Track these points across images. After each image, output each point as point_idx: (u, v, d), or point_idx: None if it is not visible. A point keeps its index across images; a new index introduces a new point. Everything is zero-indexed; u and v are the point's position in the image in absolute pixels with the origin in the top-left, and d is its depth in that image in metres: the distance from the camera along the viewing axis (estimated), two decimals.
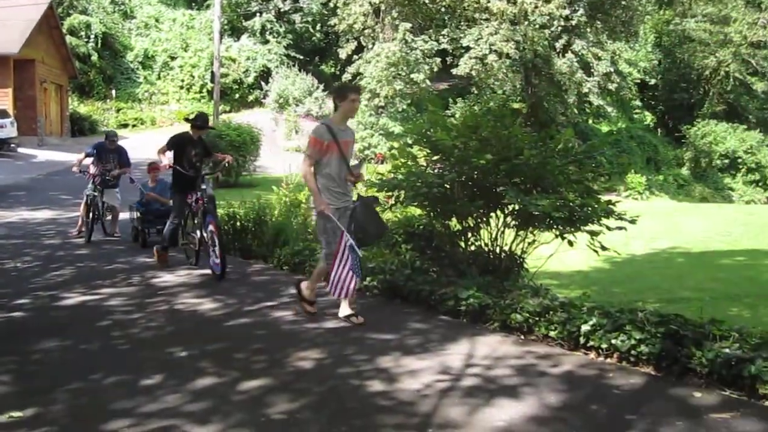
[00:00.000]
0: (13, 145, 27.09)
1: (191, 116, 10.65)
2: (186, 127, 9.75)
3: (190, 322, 6.65)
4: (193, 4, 43.98)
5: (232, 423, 4.15)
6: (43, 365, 5.35)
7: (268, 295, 7.67)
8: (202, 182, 8.98)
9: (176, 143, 9.26)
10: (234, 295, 7.70)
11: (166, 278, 8.74)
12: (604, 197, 7.18)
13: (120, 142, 13.25)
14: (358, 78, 33.38)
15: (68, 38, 35.51)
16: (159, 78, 40.45)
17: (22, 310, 7.19)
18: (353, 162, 6.76)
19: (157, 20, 42.24)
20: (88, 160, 12.66)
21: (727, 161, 41.01)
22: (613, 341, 5.05)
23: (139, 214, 11.72)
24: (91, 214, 12.09)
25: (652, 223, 17.77)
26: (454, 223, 7.65)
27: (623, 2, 34.51)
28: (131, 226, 12.19)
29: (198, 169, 9.25)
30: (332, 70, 43.58)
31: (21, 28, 29.57)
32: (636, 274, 12.70)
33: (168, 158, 9.21)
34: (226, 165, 10.34)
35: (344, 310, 6.42)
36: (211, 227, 8.62)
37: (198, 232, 9.04)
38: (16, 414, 4.26)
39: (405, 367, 5.09)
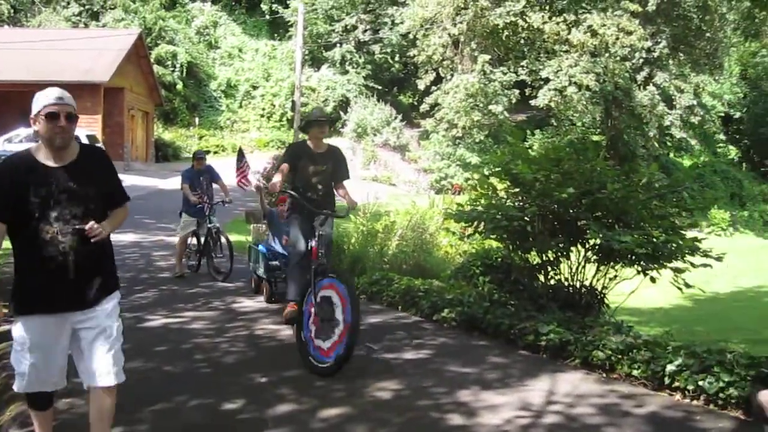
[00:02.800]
0: None
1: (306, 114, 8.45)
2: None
3: (269, 348, 6.73)
4: (275, 35, 44.96)
5: None
6: (127, 386, 5.50)
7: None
8: (321, 224, 6.56)
9: (292, 155, 7.05)
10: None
11: (246, 303, 8.87)
12: (688, 234, 7.03)
13: None
14: (436, 109, 33.51)
15: (155, 67, 36.69)
16: (241, 106, 41.38)
17: None
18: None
19: (240, 50, 43.32)
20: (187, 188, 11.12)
21: None
22: (700, 383, 4.90)
23: (270, 262, 8.92)
24: (195, 246, 11.31)
25: (737, 260, 17.28)
26: (533, 257, 7.58)
27: (707, 34, 33.84)
28: (251, 276, 9.81)
29: (319, 198, 6.95)
30: (410, 100, 43.86)
31: (112, 57, 30.72)
32: (719, 313, 12.36)
33: (281, 176, 6.67)
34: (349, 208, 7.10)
35: None
36: (330, 293, 5.92)
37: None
38: None
39: (484, 402, 5.04)
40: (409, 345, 6.71)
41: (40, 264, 3.63)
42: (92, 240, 3.63)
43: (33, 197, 3.58)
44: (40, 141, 3.73)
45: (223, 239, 10.83)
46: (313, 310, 5.95)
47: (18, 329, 3.74)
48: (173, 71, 39.19)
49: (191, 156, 12.15)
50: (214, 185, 11.35)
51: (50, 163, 3.66)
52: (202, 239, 11.16)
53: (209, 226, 10.83)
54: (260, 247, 9.23)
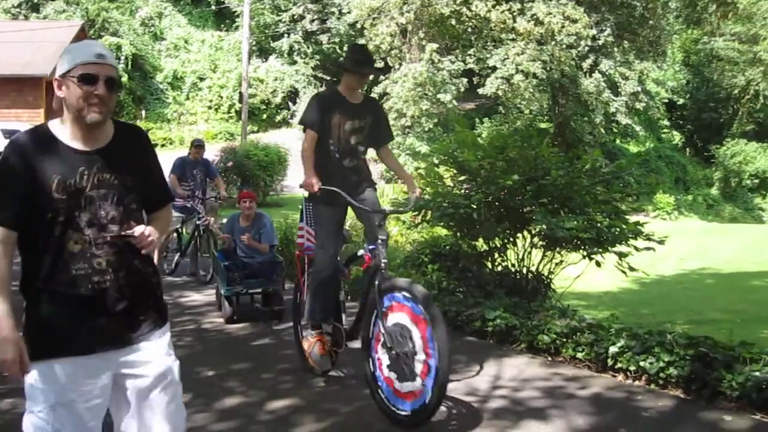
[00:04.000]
0: None
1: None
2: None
3: (217, 342, 6.69)
4: (222, 26, 44.45)
5: None
6: None
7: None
8: (381, 221, 4.83)
9: (322, 109, 5.14)
10: (260, 314, 7.73)
11: (194, 297, 8.80)
12: (633, 218, 7.16)
13: None
14: (385, 98, 33.52)
15: None
16: (188, 98, 40.87)
17: None
18: None
19: (186, 42, 42.75)
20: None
21: (757, 181, 40.52)
22: (642, 363, 5.00)
23: (230, 273, 7.63)
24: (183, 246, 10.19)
25: (682, 243, 17.62)
26: (480, 244, 7.65)
27: (651, 22, 34.38)
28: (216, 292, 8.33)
29: (359, 168, 5.32)
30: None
31: (53, 50, 30.05)
32: (665, 295, 12.59)
33: (310, 152, 5.11)
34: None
35: None
36: (400, 317, 4.41)
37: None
38: None
39: None
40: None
41: (66, 287, 2.58)
42: (142, 252, 2.67)
43: (56, 193, 2.57)
44: (64, 114, 2.74)
45: (212, 239, 9.45)
46: (381, 340, 4.46)
47: (33, 382, 2.57)
48: (118, 63, 38.52)
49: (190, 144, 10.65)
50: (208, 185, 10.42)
51: (78, 146, 2.67)
52: (185, 237, 10.16)
53: (198, 222, 9.77)
54: (218, 255, 8.05)
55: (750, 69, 42.26)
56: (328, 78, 40.81)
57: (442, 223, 7.59)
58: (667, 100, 43.45)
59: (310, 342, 5.17)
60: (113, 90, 2.67)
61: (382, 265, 4.59)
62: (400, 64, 33.66)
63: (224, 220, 9.03)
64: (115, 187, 2.69)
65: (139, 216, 2.77)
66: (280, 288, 7.81)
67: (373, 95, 33.74)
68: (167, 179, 8.69)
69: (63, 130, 2.73)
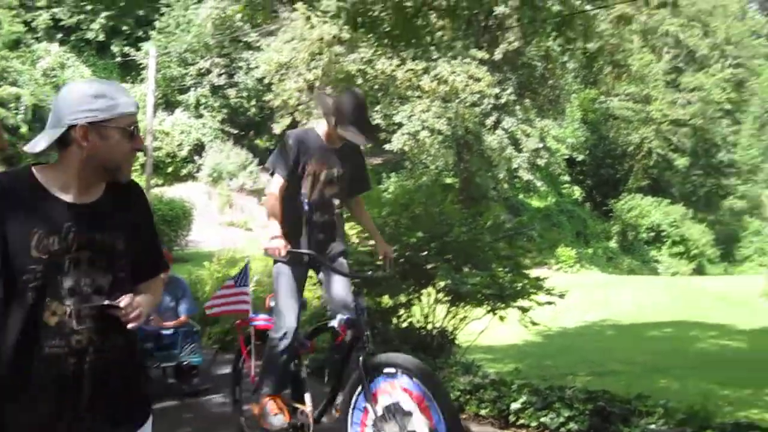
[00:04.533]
0: None
1: None
2: None
3: None
4: (128, 77, 43.81)
5: None
6: None
7: (200, 379, 7.45)
8: (358, 291, 4.41)
9: (297, 152, 4.47)
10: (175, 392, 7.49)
11: None
12: (535, 272, 7.33)
13: None
14: None
15: None
16: None
17: None
18: None
19: None
20: None
21: (652, 234, 42.17)
22: (543, 419, 5.08)
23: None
24: None
25: (583, 295, 18.09)
26: (385, 300, 7.66)
27: (550, 81, 35.74)
28: None
29: (330, 221, 4.61)
30: (267, 144, 43.69)
31: None
32: (568, 347, 12.86)
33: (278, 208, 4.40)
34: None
35: None
36: (398, 398, 3.83)
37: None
38: None
39: None
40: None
41: (35, 370, 2.13)
42: (128, 326, 2.22)
43: (35, 251, 2.13)
44: (69, 163, 2.23)
45: None
46: (370, 427, 3.84)
47: None
48: (17, 114, 37.38)
49: None
50: None
51: (68, 198, 2.22)
52: None
53: None
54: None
55: (643, 127, 44.39)
56: (236, 132, 40.61)
57: None
58: (567, 157, 44.92)
59: (261, 404, 4.45)
60: None
61: (365, 338, 4.02)
62: (308, 119, 33.84)
63: None
64: (105, 248, 2.25)
65: (128, 287, 2.32)
66: (197, 361, 7.01)
67: None
68: None
69: (52, 178, 2.23)
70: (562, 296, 7.02)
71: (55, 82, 41.72)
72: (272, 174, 4.50)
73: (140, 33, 40.77)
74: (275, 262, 4.44)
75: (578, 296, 14.29)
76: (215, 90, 41.33)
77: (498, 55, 33.09)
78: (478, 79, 31.95)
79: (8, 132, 36.22)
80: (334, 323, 4.33)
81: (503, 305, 6.97)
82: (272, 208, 4.32)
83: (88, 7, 40.76)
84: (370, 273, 4.85)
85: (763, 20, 56.19)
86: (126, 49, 42.43)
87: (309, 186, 4.43)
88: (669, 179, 46.43)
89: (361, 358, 3.97)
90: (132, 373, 2.37)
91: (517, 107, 35.17)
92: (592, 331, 15.50)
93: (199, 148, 39.17)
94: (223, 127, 40.30)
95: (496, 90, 33.08)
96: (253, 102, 41.42)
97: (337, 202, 4.57)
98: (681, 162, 44.70)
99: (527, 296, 6.96)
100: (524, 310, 6.98)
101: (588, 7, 18.16)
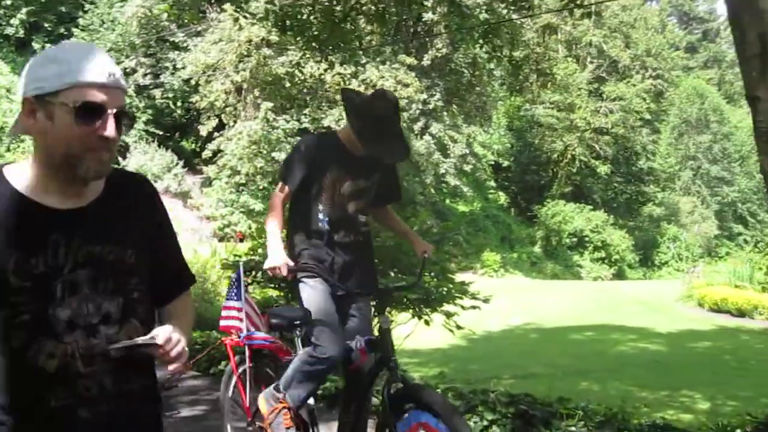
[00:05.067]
0: None
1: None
2: None
3: None
4: None
5: None
6: None
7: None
8: (382, 309, 4.56)
9: (311, 162, 3.90)
10: None
11: None
12: (461, 276, 7.37)
13: None
14: (219, 155, 33.11)
15: None
16: (8, 150, 38.67)
17: None
18: None
19: (8, 90, 40.58)
20: None
21: (575, 239, 43.05)
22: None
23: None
24: None
25: (507, 300, 18.33)
26: None
27: (477, 88, 36.24)
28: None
29: (356, 242, 4.06)
30: (193, 146, 43.07)
31: None
32: (492, 351, 13.01)
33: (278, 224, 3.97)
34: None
35: None
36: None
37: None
38: None
39: None
40: (185, 402, 6.49)
41: None
42: (171, 367, 1.78)
43: (15, 278, 1.64)
44: (35, 156, 1.75)
45: None
46: None
47: None
48: None
49: None
50: None
51: (52, 203, 1.71)
52: None
53: None
54: None
55: (567, 135, 45.42)
56: (161, 133, 39.94)
57: (272, 284, 7.52)
58: (493, 162, 45.60)
59: (275, 408, 3.86)
60: (122, 129, 1.79)
61: (392, 363, 3.45)
62: (235, 122, 33.52)
63: None
64: (109, 267, 1.74)
65: (145, 310, 1.83)
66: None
67: (206, 152, 33.32)
68: None
69: (29, 179, 1.73)
70: (486, 301, 7.09)
71: None
72: (280, 182, 3.96)
73: (62, 30, 39.71)
74: (296, 279, 3.84)
75: (503, 300, 14.47)
76: (140, 90, 40.56)
77: (426, 61, 33.42)
78: (407, 85, 32.19)
79: None
80: (351, 344, 3.76)
81: (429, 309, 7.00)
82: (271, 220, 3.81)
83: (8, 2, 39.49)
84: (391, 285, 4.22)
85: (681, 33, 58.22)
86: (47, 46, 41.27)
87: (328, 201, 3.81)
88: (591, 186, 47.53)
89: (386, 390, 3.44)
90: (156, 428, 1.92)
91: (445, 113, 35.56)
92: (516, 334, 15.72)
93: (122, 150, 38.35)
94: (148, 128, 39.56)
95: (424, 96, 33.38)
96: (180, 103, 40.81)
97: (363, 219, 3.98)
98: (603, 169, 45.83)
99: (452, 301, 7.00)
100: (449, 314, 7.01)
101: (515, 17, 18.46)
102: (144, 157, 36.91)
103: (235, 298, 4.74)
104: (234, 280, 4.90)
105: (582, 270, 41.64)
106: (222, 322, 4.83)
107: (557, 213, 43.42)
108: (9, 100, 40.40)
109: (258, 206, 30.65)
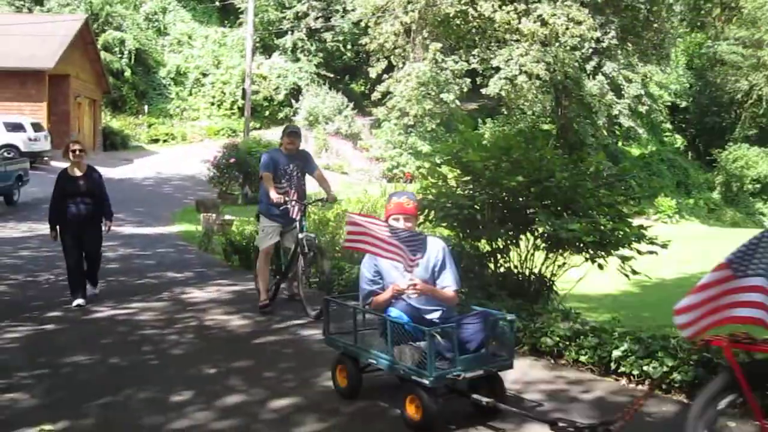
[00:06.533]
0: (46, 158, 27.45)
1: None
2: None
3: (218, 339, 6.67)
4: (226, 21, 44.41)
5: None
6: (73, 379, 5.40)
7: (296, 313, 7.64)
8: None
9: None
10: (263, 312, 7.70)
11: (196, 294, 8.78)
12: (635, 221, 7.13)
13: (150, 158, 12.02)
14: (388, 97, 33.45)
15: (102, 54, 35.99)
16: (190, 94, 40.84)
17: (52, 322, 7.26)
18: None
19: (189, 37, 42.70)
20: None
21: (758, 186, 40.51)
22: (645, 368, 4.99)
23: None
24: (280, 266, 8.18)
25: (683, 247, 17.56)
26: (483, 245, 7.62)
27: (655, 25, 34.39)
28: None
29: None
30: (362, 88, 43.78)
31: (57, 43, 30.04)
32: (666, 299, 12.51)
33: None
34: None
35: None
36: None
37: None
38: (47, 427, 4.30)
39: None
40: None
41: None
42: None
43: None
44: None
45: (321, 257, 7.48)
46: None
47: None
48: (121, 58, 38.49)
49: (287, 134, 8.08)
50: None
51: None
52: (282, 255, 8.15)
53: (300, 236, 7.56)
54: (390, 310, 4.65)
55: (753, 73, 42.31)
56: (331, 76, 40.78)
57: (444, 224, 7.57)
58: (669, 104, 43.49)
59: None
60: None
61: None
62: (404, 63, 33.64)
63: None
64: None
65: None
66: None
67: (376, 94, 33.74)
68: (260, 180, 7.89)
69: None
70: (665, 246, 6.81)
71: (157, 27, 42.69)
72: None
73: None
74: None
75: (678, 247, 13.81)
76: (311, 33, 41.50)
77: None
78: (579, 22, 31.05)
79: (113, 76, 37.39)
80: None
81: (603, 253, 6.83)
82: None
83: None
84: None
85: None
86: None
87: None
88: None
89: None
90: None
91: (619, 52, 34.10)
92: (690, 283, 14.92)
93: (295, 92, 39.55)
94: (319, 71, 40.52)
95: (598, 34, 32.10)
96: (349, 46, 41.44)
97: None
98: None
99: (629, 245, 6.79)
100: (625, 259, 6.81)
101: None
102: (315, 100, 37.91)
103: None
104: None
105: (765, 218, 39.18)
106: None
107: (739, 157, 40.89)
108: (190, 46, 42.51)
109: (425, 148, 30.81)
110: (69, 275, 8.18)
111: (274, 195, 7.50)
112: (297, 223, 7.70)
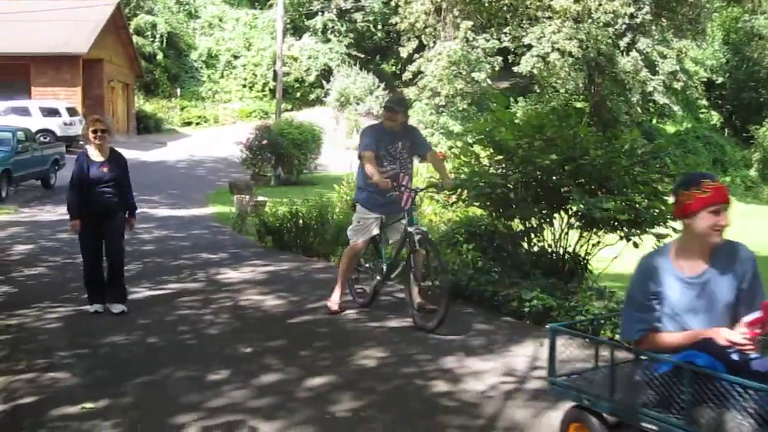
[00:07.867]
0: (81, 143, 27.78)
1: None
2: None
3: (254, 319, 6.74)
4: (256, 3, 44.44)
5: (298, 420, 4.20)
6: (112, 358, 5.49)
7: (330, 293, 7.67)
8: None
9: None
10: (297, 292, 7.77)
11: (231, 275, 8.86)
12: (670, 199, 7.06)
13: (183, 140, 11.62)
14: (419, 77, 33.31)
15: (135, 38, 36.28)
16: (222, 77, 41.01)
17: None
18: None
19: (220, 20, 42.82)
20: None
21: None
22: None
23: None
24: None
25: None
26: (516, 224, 7.60)
27: (690, 0, 33.80)
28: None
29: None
30: (393, 68, 43.61)
31: (90, 28, 30.32)
32: None
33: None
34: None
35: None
36: None
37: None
38: (89, 405, 4.38)
39: (469, 368, 5.08)
40: (393, 313, 6.73)
41: None
42: None
43: None
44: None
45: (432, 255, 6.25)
46: None
47: None
48: (153, 42, 38.75)
49: (384, 107, 7.00)
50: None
51: None
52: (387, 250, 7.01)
53: (410, 230, 6.30)
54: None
55: None
56: (362, 56, 40.67)
57: (477, 203, 7.55)
58: (705, 80, 42.76)
59: None
60: None
61: None
62: (435, 43, 33.46)
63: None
64: None
65: None
66: None
67: (407, 74, 33.57)
68: (359, 159, 6.44)
69: None
70: None
71: (188, 10, 42.86)
72: None
73: None
74: None
75: None
76: (342, 14, 41.37)
77: None
78: None
79: (145, 59, 37.67)
80: None
81: (639, 231, 6.77)
82: None
83: None
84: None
85: None
86: None
87: None
88: None
89: None
90: None
91: (653, 27, 33.58)
92: None
93: (326, 73, 39.53)
94: (349, 52, 40.43)
95: (631, 9, 31.64)
96: (380, 26, 41.28)
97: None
98: None
99: (664, 223, 6.73)
100: (661, 237, 6.74)
101: None
102: (346, 80, 37.88)
103: None
104: None
105: None
106: None
107: None
108: (221, 29, 42.64)
109: (457, 127, 30.66)
110: (86, 277, 7.00)
111: (379, 179, 6.15)
112: (405, 214, 6.39)
